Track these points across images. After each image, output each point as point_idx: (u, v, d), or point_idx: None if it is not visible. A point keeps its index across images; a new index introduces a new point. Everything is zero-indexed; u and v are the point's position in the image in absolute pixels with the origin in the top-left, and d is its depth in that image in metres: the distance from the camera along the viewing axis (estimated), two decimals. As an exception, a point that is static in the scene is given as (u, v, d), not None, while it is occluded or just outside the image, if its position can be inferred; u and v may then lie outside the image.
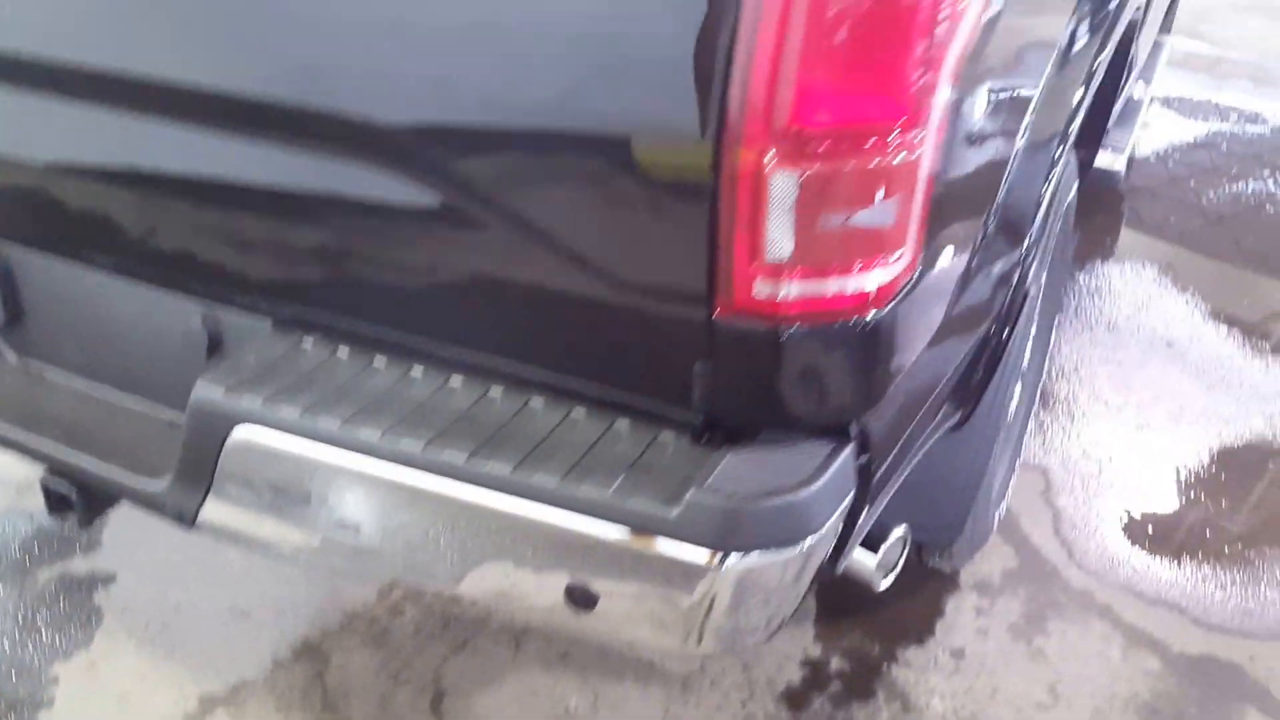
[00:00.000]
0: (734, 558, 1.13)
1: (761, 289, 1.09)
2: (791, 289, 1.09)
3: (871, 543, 1.54)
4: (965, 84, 1.15)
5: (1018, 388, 2.23)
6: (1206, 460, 2.58)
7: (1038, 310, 2.32)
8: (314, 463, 1.28)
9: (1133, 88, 3.76)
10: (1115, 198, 3.99)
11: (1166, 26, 4.71)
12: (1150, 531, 2.37)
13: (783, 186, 1.03)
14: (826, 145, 1.02)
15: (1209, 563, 2.28)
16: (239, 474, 1.35)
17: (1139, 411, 2.75)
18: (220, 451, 1.34)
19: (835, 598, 2.15)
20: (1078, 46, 1.63)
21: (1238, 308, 3.24)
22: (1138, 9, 2.09)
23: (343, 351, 1.40)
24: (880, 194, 1.06)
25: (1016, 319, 1.65)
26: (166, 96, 1.32)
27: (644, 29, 1.05)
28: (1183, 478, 2.53)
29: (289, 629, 2.07)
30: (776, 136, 1.02)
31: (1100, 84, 2.32)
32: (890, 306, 1.15)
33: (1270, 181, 4.19)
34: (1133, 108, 3.61)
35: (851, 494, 1.23)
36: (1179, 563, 2.28)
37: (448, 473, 1.22)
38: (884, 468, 1.35)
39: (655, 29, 1.05)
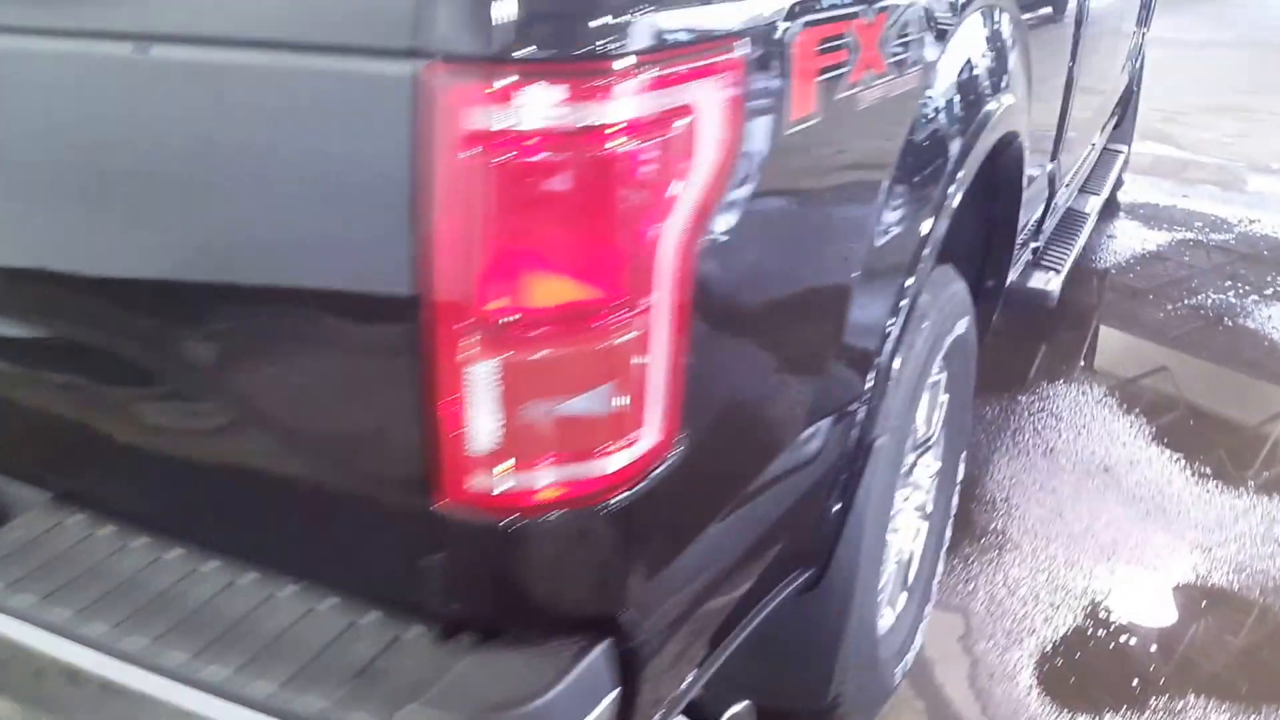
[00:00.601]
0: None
1: (478, 480, 0.98)
2: (509, 480, 0.98)
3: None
4: (729, 234, 1.06)
5: (906, 535, 2.11)
6: (1135, 602, 2.43)
7: (940, 449, 2.21)
8: (40, 655, 1.18)
9: (1077, 200, 3.70)
10: (1072, 314, 3.90)
11: (1123, 136, 4.67)
12: (1071, 681, 2.21)
13: (485, 375, 0.94)
14: (527, 331, 0.93)
15: (1130, 714, 2.12)
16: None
17: (1069, 546, 2.61)
18: None
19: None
20: (920, 173, 1.54)
21: (1182, 431, 3.11)
22: (1012, 131, 2.00)
23: (102, 531, 1.31)
24: (600, 378, 0.96)
25: (862, 469, 1.54)
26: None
27: (355, 208, 0.98)
28: (1109, 621, 2.37)
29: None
30: (471, 323, 0.93)
31: (990, 208, 2.25)
32: (641, 488, 1.04)
33: (1231, 294, 4.09)
34: (1076, 222, 3.53)
35: (616, 691, 1.11)
36: (1098, 714, 2.12)
37: (172, 675, 1.11)
38: (689, 646, 1.23)
39: (362, 209, 0.97)
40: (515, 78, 0.86)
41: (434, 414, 0.97)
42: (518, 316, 0.92)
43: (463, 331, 0.93)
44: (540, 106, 0.87)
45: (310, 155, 0.96)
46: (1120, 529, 2.66)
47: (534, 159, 0.88)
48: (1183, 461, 2.94)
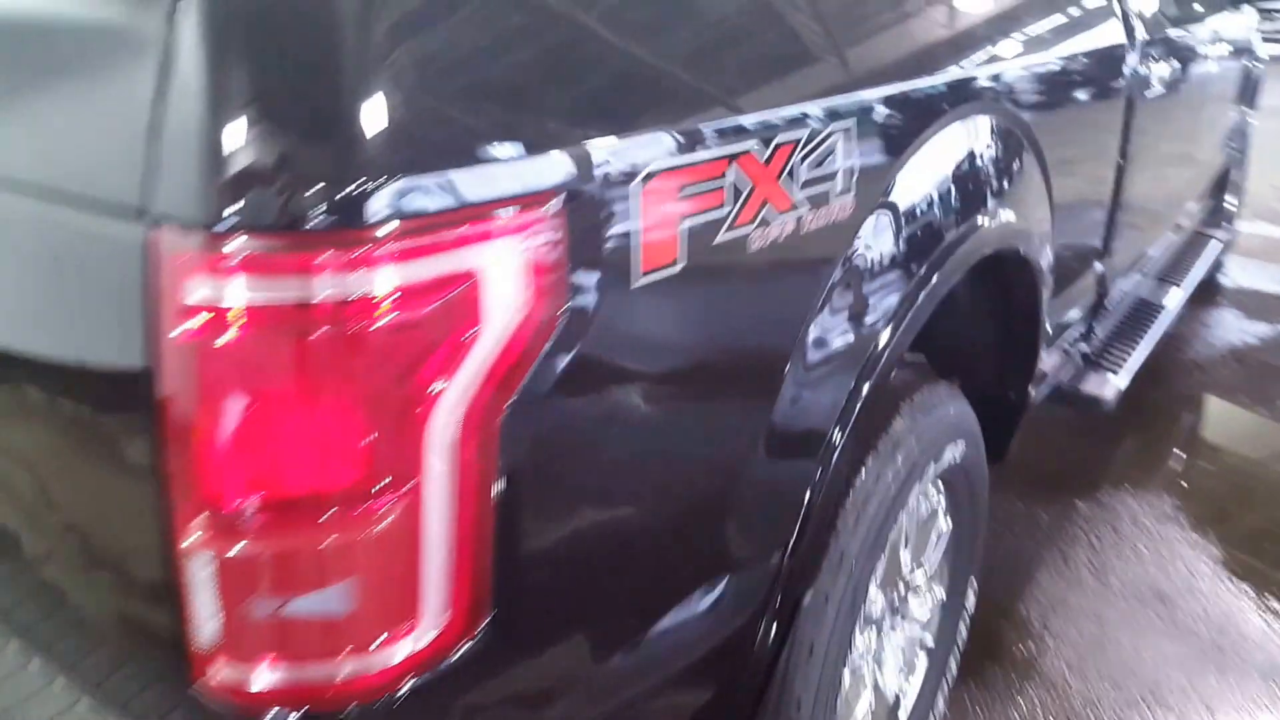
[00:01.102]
0: None
1: (226, 673, 0.89)
2: (264, 675, 0.88)
3: None
4: (557, 396, 0.94)
5: (894, 673, 1.94)
6: (1172, 755, 2.19)
7: (943, 580, 2.03)
8: None
9: (1154, 293, 3.46)
10: (1150, 413, 3.62)
11: (1221, 221, 4.38)
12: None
13: (209, 567, 0.84)
14: (257, 522, 0.82)
15: None
16: None
17: (1104, 683, 2.37)
18: None
19: None
20: (860, 308, 1.39)
21: (1255, 554, 2.83)
22: (1010, 247, 1.83)
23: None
24: (348, 571, 0.85)
25: (789, 622, 1.40)
26: None
27: (102, 375, 0.91)
28: (1138, 776, 2.14)
29: None
30: (192, 510, 0.83)
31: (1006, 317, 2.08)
32: (428, 679, 0.93)
33: (1330, 397, 3.76)
34: (1147, 316, 3.27)
35: None
36: None
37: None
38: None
39: (106, 376, 0.90)
40: (244, 245, 0.77)
41: (174, 601, 0.88)
42: (246, 506, 0.83)
43: (184, 519, 0.84)
44: (271, 279, 0.77)
45: (55, 323, 0.90)
46: (1167, 668, 2.41)
47: (261, 336, 0.78)
48: (1251, 594, 2.66)
